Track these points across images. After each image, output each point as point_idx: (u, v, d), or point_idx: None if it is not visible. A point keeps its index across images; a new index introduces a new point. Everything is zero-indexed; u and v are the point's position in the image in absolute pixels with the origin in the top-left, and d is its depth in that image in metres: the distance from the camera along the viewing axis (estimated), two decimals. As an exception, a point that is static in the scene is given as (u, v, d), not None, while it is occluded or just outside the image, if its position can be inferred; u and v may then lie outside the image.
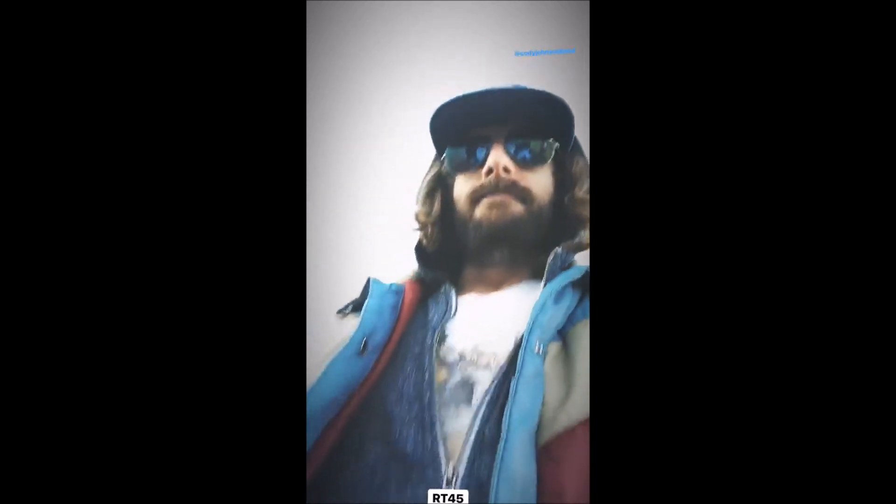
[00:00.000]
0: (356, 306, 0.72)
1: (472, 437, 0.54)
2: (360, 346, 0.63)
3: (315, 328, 0.68)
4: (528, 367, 0.57)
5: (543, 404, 0.55)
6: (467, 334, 0.65)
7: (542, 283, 0.67)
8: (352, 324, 0.66)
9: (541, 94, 0.72)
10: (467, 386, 0.59)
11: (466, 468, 0.53)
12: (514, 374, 0.56)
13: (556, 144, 0.75)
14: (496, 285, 0.74)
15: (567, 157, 0.78)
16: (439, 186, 0.81)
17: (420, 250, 0.80)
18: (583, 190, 0.76)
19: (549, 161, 0.75)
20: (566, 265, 0.72)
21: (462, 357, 0.63)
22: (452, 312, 0.69)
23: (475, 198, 0.74)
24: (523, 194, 0.73)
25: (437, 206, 0.80)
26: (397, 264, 0.81)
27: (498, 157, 0.72)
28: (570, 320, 0.64)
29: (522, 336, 0.60)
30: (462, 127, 0.76)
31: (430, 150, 0.84)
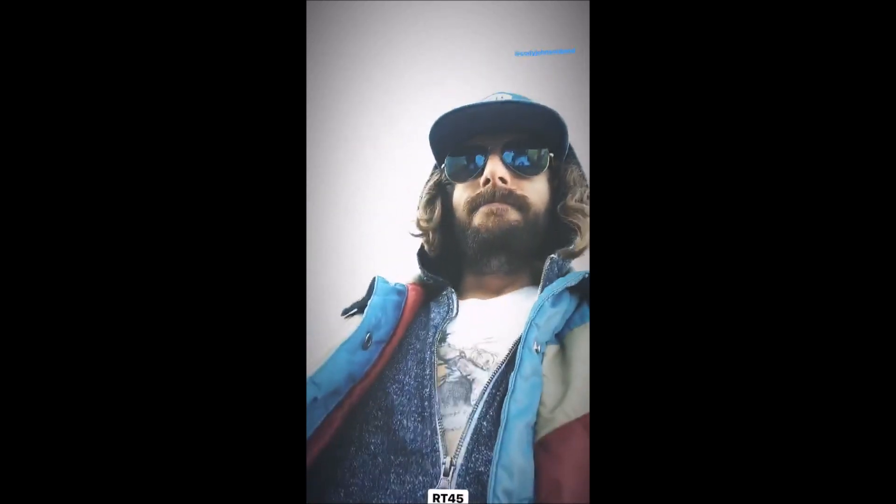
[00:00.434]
0: (360, 308, 0.73)
1: (470, 430, 0.55)
2: (365, 338, 0.64)
3: (316, 328, 0.69)
4: (526, 364, 0.58)
5: (541, 403, 0.56)
6: (468, 335, 0.67)
7: (539, 289, 0.69)
8: (356, 320, 0.68)
9: (536, 107, 0.75)
10: (466, 383, 0.61)
11: (464, 460, 0.53)
12: (512, 370, 0.57)
13: (551, 154, 0.78)
14: (496, 291, 0.76)
15: (562, 167, 0.81)
16: (440, 194, 0.84)
17: (422, 255, 0.82)
18: (575, 198, 0.78)
19: (545, 170, 0.78)
20: (563, 271, 0.73)
21: (462, 355, 0.64)
22: (454, 314, 0.71)
23: (473, 206, 0.76)
24: (520, 203, 0.75)
25: (437, 213, 0.82)
26: (401, 269, 0.83)
27: (494, 167, 0.74)
28: (568, 325, 0.66)
29: (521, 336, 0.61)
30: (460, 137, 0.78)
31: (430, 149, 0.84)
